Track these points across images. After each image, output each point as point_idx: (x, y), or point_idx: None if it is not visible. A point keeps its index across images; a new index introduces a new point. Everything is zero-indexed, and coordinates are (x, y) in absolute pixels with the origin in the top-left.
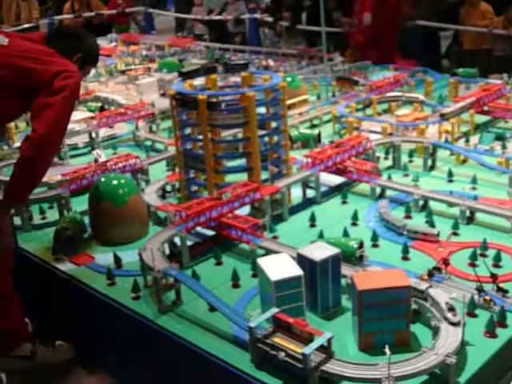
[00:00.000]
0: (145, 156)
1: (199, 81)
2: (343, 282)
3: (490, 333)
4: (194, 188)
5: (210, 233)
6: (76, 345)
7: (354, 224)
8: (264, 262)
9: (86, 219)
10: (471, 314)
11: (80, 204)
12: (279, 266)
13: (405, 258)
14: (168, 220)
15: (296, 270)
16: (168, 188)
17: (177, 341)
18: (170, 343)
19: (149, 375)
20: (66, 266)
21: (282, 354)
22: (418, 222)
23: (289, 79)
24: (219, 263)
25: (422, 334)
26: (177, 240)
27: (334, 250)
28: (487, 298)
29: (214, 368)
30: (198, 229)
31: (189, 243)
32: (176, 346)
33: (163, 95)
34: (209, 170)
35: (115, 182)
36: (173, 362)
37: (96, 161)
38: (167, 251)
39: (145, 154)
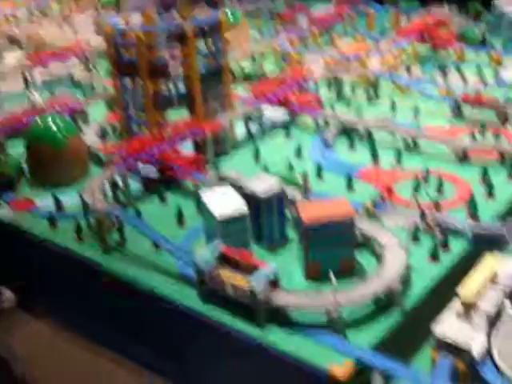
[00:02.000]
0: (83, 97)
1: (135, 18)
2: (288, 214)
3: (434, 257)
4: (135, 127)
5: (152, 171)
6: (20, 291)
7: (299, 157)
8: (207, 196)
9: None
10: (415, 240)
11: (17, 148)
12: (223, 201)
13: (349, 189)
14: (108, 160)
15: (241, 207)
16: (108, 128)
17: (122, 280)
18: (115, 283)
19: (96, 316)
20: (5, 212)
21: (229, 288)
22: (361, 152)
23: (229, 14)
24: (163, 202)
25: (367, 262)
26: (118, 179)
27: (278, 185)
28: (430, 223)
29: (161, 306)
30: (141, 167)
31: (134, 183)
32: (121, 285)
33: (99, 34)
34: (148, 108)
35: (53, 124)
36: (119, 301)
37: (32, 104)
38: (109, 192)
39: (83, 95)
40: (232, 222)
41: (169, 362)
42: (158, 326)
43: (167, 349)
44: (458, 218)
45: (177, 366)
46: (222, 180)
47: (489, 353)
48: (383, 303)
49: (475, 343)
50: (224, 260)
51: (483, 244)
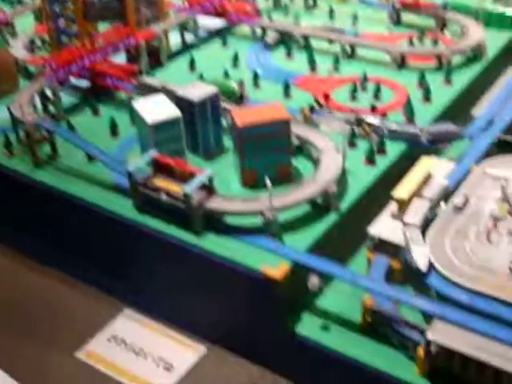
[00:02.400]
0: (10, 8)
1: None
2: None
3: (370, 160)
4: (65, 39)
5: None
6: None
7: (235, 66)
8: (140, 105)
9: None
10: (352, 144)
11: None
12: (156, 108)
13: (287, 96)
14: (38, 73)
15: (173, 112)
16: (37, 41)
17: (56, 194)
18: (48, 197)
19: (32, 233)
20: None
21: (164, 196)
22: (299, 60)
23: None
24: (95, 113)
25: (304, 168)
26: (48, 92)
27: (212, 90)
28: (366, 128)
29: (97, 217)
30: (72, 80)
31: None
32: (56, 199)
33: None
34: (79, 18)
35: None
36: (53, 216)
37: None
38: (39, 104)
39: (10, 6)
40: (164, 127)
41: (110, 276)
42: (95, 239)
43: (107, 262)
44: (396, 121)
45: (117, 278)
46: (155, 89)
47: None
48: (320, 207)
49: (413, 246)
50: (158, 168)
51: (429, 145)
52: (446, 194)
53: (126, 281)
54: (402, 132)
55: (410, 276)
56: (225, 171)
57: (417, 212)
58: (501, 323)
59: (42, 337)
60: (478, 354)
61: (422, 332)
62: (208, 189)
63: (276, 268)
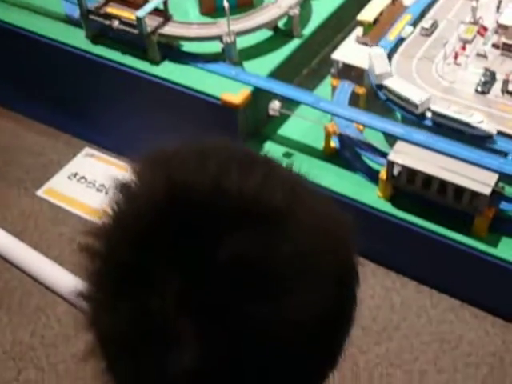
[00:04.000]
0: None
1: None
2: None
3: None
4: None
5: None
6: None
7: None
8: None
9: None
10: None
11: None
12: None
13: None
14: None
15: None
16: None
17: (3, 28)
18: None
19: None
20: None
21: (116, 23)
22: None
23: None
24: None
25: None
26: None
27: None
28: None
29: (49, 51)
30: None
31: None
32: (3, 33)
33: None
34: None
35: None
36: (4, 52)
37: None
38: None
39: None
40: None
41: (67, 114)
42: (48, 76)
43: (62, 100)
44: None
45: (75, 116)
46: None
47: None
48: (282, 32)
49: (376, 65)
50: None
51: None
52: (414, 18)
53: (83, 118)
54: None
55: (374, 102)
56: (183, 0)
57: (382, 35)
58: (463, 143)
59: (1, 178)
60: (439, 173)
61: (386, 155)
62: (163, 14)
63: (236, 94)
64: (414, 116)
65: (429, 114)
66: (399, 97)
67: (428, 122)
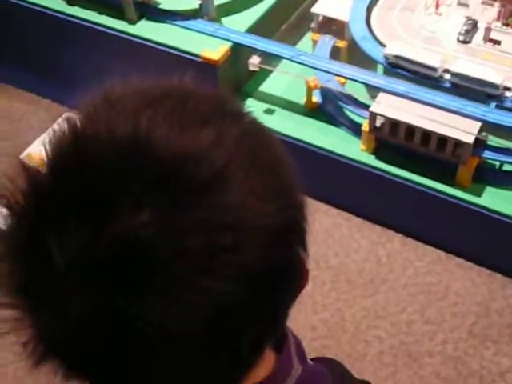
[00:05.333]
0: None
1: None
2: None
3: None
4: None
5: None
6: None
7: None
8: None
9: None
10: None
11: None
12: None
13: None
14: None
15: None
16: None
17: None
18: None
19: None
20: None
21: None
22: None
23: None
24: None
25: None
26: None
27: None
28: None
29: (24, 13)
30: None
31: None
32: None
33: None
34: None
35: None
36: None
37: None
38: None
39: None
40: None
41: (47, 80)
42: (25, 40)
43: (41, 65)
44: None
45: (55, 82)
46: None
47: (368, 26)
48: None
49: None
50: None
51: None
52: None
53: (62, 83)
54: None
55: (356, 57)
56: None
57: None
58: (445, 93)
59: None
60: (422, 123)
61: (368, 107)
62: None
63: (215, 51)
64: (432, 80)
65: (447, 76)
66: (413, 62)
67: (447, 84)
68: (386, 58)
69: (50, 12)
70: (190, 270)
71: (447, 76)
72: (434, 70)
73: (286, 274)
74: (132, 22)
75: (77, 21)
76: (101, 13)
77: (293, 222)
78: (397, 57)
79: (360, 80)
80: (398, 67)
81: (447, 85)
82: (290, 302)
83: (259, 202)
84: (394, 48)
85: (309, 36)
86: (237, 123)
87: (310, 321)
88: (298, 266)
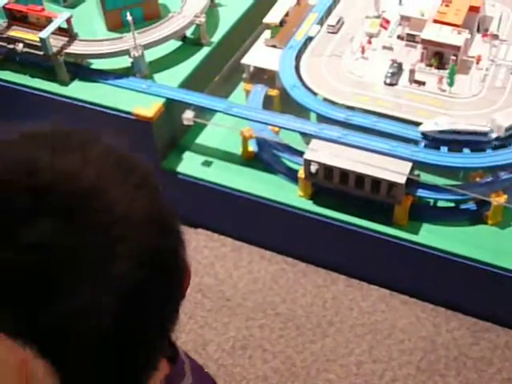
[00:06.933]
0: None
1: None
2: None
3: None
4: None
5: None
6: None
7: None
8: None
9: None
10: None
11: None
12: None
13: None
14: None
15: None
16: None
17: None
18: None
19: None
20: None
21: (20, 46)
22: None
23: None
24: None
25: (172, 4)
26: None
27: None
28: None
29: None
30: None
31: None
32: None
33: None
34: None
35: None
36: None
37: None
38: None
39: None
40: None
41: None
42: None
43: None
44: None
45: None
46: None
47: (298, 74)
48: (191, 41)
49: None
50: (13, 18)
51: None
52: (320, 16)
53: None
54: None
55: (288, 104)
56: (88, 17)
57: (290, 36)
58: (376, 136)
59: None
60: (355, 167)
61: (303, 154)
62: (68, 33)
63: (149, 107)
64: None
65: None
66: (461, 133)
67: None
68: (426, 135)
69: None
70: (91, 261)
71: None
72: (485, 134)
73: (169, 262)
74: (65, 83)
75: (8, 85)
76: (32, 75)
77: (168, 215)
78: (442, 132)
79: (292, 128)
80: (440, 142)
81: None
82: (177, 296)
83: (136, 201)
84: (436, 124)
85: (241, 86)
86: (96, 145)
87: (262, 370)
88: (179, 260)
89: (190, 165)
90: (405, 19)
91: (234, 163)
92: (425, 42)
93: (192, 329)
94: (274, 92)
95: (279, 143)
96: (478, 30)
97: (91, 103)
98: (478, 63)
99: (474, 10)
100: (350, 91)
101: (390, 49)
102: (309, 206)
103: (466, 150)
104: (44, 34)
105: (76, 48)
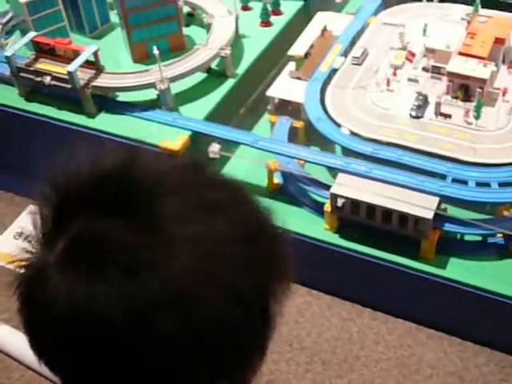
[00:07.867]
0: None
1: None
2: None
3: (265, 22)
4: None
5: None
6: None
7: None
8: None
9: None
10: (245, 8)
11: None
12: None
13: None
14: None
15: None
16: None
17: None
18: None
19: None
20: None
21: (48, 79)
22: None
23: None
24: None
25: (197, 36)
26: None
27: None
28: None
29: None
30: None
31: None
32: None
33: None
34: None
35: None
36: None
37: None
38: None
39: None
40: (39, 4)
41: (7, 173)
42: None
43: (3, 160)
44: None
45: (15, 174)
46: None
47: (323, 106)
48: (216, 73)
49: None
50: (41, 51)
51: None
52: (345, 48)
53: (25, 176)
54: None
55: (313, 136)
56: (114, 49)
57: (315, 68)
58: (403, 169)
59: None
60: (382, 202)
61: (329, 187)
62: (95, 66)
63: (175, 140)
64: None
65: None
66: None
67: None
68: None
69: (8, 109)
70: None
71: None
72: None
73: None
74: (91, 116)
75: (36, 117)
76: (60, 108)
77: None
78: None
79: (319, 162)
80: None
81: None
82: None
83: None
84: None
85: (266, 118)
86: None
87: None
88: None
89: None
90: (430, 51)
91: (259, 195)
92: (451, 74)
93: None
94: (299, 124)
95: (305, 176)
96: (503, 62)
97: (117, 136)
98: (504, 95)
99: (499, 41)
100: (375, 124)
101: (416, 81)
102: (335, 239)
103: (494, 185)
104: (72, 67)
105: (103, 81)
